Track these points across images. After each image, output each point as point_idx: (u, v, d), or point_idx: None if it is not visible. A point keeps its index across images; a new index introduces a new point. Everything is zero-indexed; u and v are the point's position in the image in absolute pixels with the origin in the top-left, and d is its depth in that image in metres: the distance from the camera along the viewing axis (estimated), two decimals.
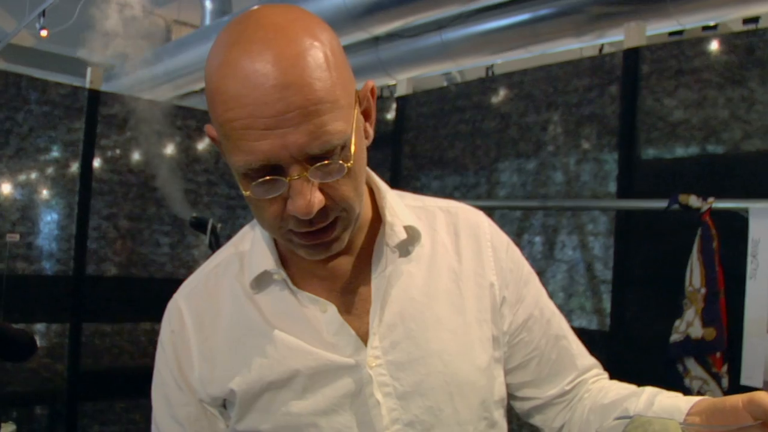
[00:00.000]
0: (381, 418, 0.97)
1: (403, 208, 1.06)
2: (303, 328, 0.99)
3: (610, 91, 3.04)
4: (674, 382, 2.28)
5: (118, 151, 3.87)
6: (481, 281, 1.07)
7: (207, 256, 3.95)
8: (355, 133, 0.87)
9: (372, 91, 0.95)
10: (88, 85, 3.77)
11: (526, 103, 3.39)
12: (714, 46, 2.69)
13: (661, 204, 2.44)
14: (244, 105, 0.80)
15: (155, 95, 5.39)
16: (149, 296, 3.87)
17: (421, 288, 1.03)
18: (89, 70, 3.80)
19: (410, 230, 1.03)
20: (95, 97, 3.76)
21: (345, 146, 0.85)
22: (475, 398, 1.03)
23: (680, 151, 2.78)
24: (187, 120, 4.10)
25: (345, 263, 1.02)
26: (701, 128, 2.70)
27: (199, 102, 5.81)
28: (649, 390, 1.07)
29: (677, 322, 2.36)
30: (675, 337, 2.34)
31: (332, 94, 0.83)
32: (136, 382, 3.94)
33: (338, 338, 0.98)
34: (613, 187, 3.00)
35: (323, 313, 0.99)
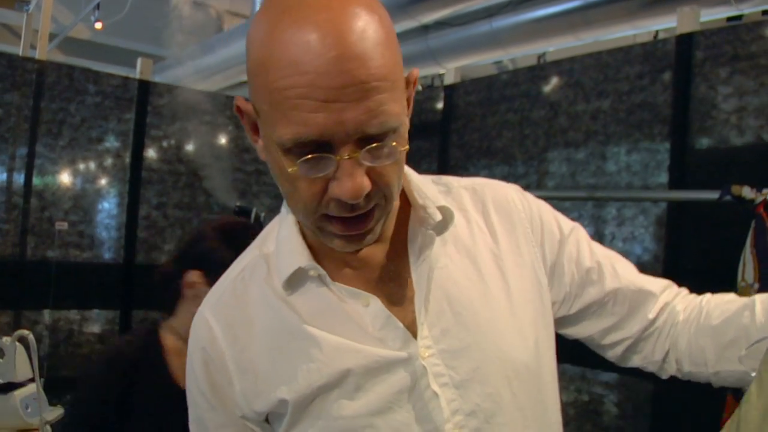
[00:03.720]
0: (440, 410, 0.91)
1: (431, 188, 1.00)
2: (346, 326, 0.93)
3: (663, 79, 2.95)
4: None
5: (168, 141, 3.92)
6: (519, 260, 1.02)
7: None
8: (405, 118, 0.83)
9: (415, 80, 0.91)
10: (138, 76, 3.82)
11: (575, 92, 3.31)
12: None
13: (712, 195, 2.35)
14: (304, 72, 0.76)
15: (207, 86, 5.45)
16: None
17: (464, 271, 0.98)
18: (139, 60, 3.86)
19: (444, 211, 0.97)
20: (145, 87, 3.82)
21: (397, 130, 0.81)
22: (531, 381, 0.97)
23: (735, 141, 2.68)
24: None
25: (379, 251, 0.97)
26: (758, 116, 2.60)
27: None
28: (759, 298, 1.02)
29: None
30: None
31: (392, 74, 0.79)
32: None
33: (385, 332, 0.92)
34: (664, 177, 2.91)
35: (365, 306, 0.93)
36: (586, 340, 1.14)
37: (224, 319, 0.97)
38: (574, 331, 1.13)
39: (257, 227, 3.03)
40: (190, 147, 3.97)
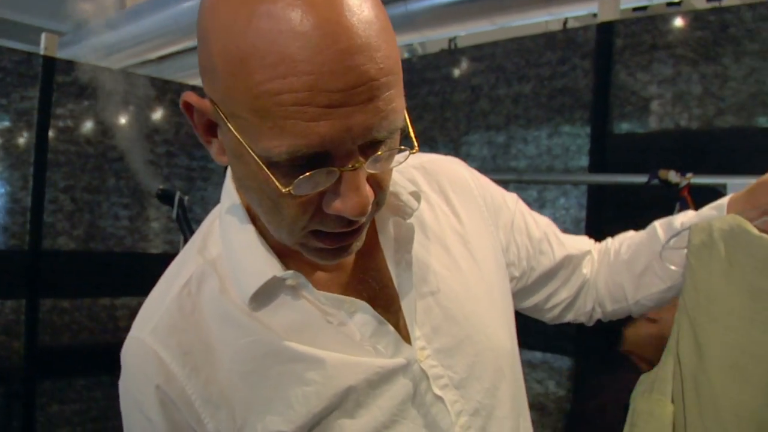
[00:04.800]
0: (446, 414, 0.84)
1: (395, 173, 0.87)
2: (333, 338, 0.82)
3: (583, 65, 3.03)
4: None
5: (74, 121, 3.73)
6: (482, 240, 0.98)
7: (168, 230, 3.81)
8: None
9: None
10: (42, 52, 3.60)
11: (497, 76, 3.36)
12: (688, 22, 2.70)
13: (638, 179, 2.44)
14: (302, 73, 0.61)
15: (110, 63, 5.22)
16: (108, 270, 3.74)
17: (438, 259, 0.92)
18: (43, 36, 3.64)
19: (414, 196, 0.87)
20: (50, 64, 3.60)
21: (399, 128, 0.70)
22: (514, 366, 0.95)
23: (653, 126, 2.79)
24: (146, 89, 3.96)
25: None
26: (675, 103, 2.71)
27: (155, 71, 5.64)
28: (657, 223, 1.11)
29: None
30: None
31: (397, 64, 0.68)
32: (97, 359, 3.86)
33: (376, 339, 0.83)
34: (585, 161, 3.00)
35: (351, 313, 0.82)
36: (531, 309, 1.17)
37: (176, 346, 0.80)
38: (526, 303, 1.16)
39: (182, 213, 2.94)
40: (98, 127, 3.79)
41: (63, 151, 3.67)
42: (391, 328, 0.84)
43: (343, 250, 0.77)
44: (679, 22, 2.72)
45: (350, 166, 0.67)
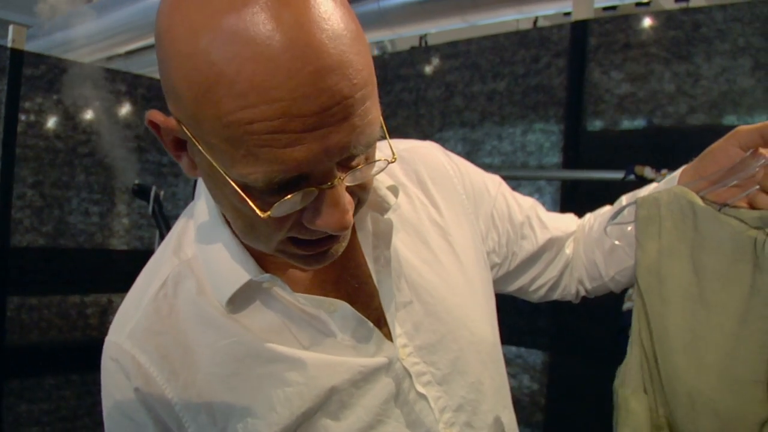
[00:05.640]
0: (429, 411, 0.84)
1: None
2: (313, 338, 0.81)
3: (557, 63, 3.06)
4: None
5: (43, 115, 3.66)
6: (462, 230, 0.98)
7: (139, 226, 3.76)
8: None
9: None
10: (10, 45, 3.54)
11: (471, 73, 3.37)
12: (661, 21, 2.74)
13: (614, 175, 2.48)
14: (273, 100, 0.58)
15: (78, 57, 5.14)
16: (78, 267, 3.69)
17: (418, 253, 0.91)
18: (11, 28, 3.57)
19: (392, 190, 0.87)
20: (18, 57, 3.53)
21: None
22: (497, 358, 0.95)
23: (626, 124, 2.82)
24: (116, 84, 3.91)
25: None
26: (648, 102, 2.75)
27: (122, 66, 5.57)
28: (624, 197, 1.10)
29: (630, 290, 2.40)
30: (627, 305, 2.38)
31: (372, 74, 0.65)
32: (66, 357, 3.81)
33: (357, 337, 0.82)
34: (558, 157, 3.03)
35: (330, 313, 0.81)
36: (516, 291, 1.17)
37: (154, 350, 0.79)
38: (511, 287, 1.16)
39: (158, 208, 2.91)
40: (68, 122, 3.73)
41: (31, 145, 3.61)
42: (371, 325, 0.83)
43: (325, 254, 0.75)
44: (652, 21, 2.75)
45: (329, 183, 0.65)
